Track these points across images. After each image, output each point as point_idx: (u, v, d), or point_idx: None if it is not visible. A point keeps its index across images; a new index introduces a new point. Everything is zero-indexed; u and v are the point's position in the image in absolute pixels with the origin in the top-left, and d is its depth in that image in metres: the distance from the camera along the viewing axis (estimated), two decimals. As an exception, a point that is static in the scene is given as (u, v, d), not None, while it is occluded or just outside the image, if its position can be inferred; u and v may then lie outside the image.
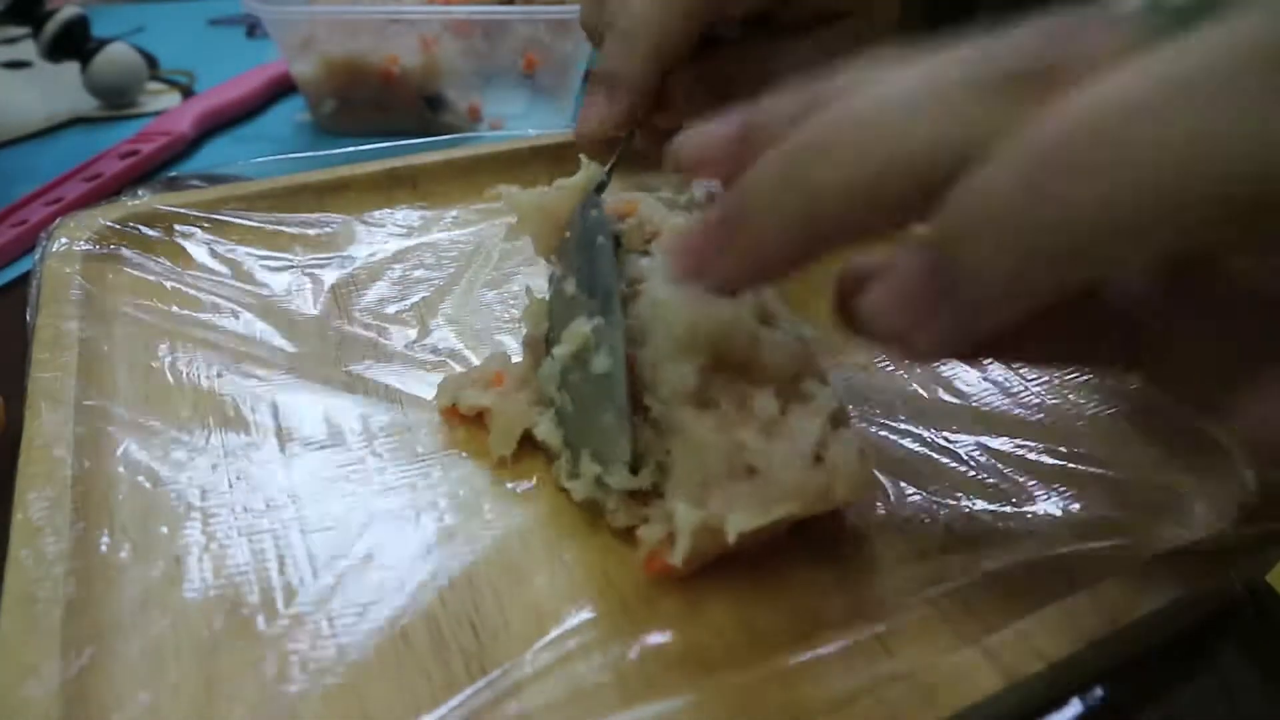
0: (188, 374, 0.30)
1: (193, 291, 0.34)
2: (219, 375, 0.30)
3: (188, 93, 0.59)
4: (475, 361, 0.31)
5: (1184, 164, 0.14)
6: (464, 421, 0.29)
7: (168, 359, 0.31)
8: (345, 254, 0.37)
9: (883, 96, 0.17)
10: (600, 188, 0.30)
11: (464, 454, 0.28)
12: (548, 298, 0.29)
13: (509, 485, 0.27)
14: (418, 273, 0.36)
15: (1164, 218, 0.14)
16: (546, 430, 0.26)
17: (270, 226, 0.38)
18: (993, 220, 0.15)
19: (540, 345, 0.29)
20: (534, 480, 0.27)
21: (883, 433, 0.28)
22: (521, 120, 0.53)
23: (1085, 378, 0.31)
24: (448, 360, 0.32)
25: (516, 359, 0.30)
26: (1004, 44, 0.16)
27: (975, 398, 0.30)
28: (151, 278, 0.35)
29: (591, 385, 0.25)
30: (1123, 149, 0.14)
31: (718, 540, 0.22)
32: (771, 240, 0.19)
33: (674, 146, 0.22)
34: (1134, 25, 0.15)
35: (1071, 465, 0.27)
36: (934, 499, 0.26)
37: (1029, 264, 0.15)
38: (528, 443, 0.28)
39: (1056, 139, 0.15)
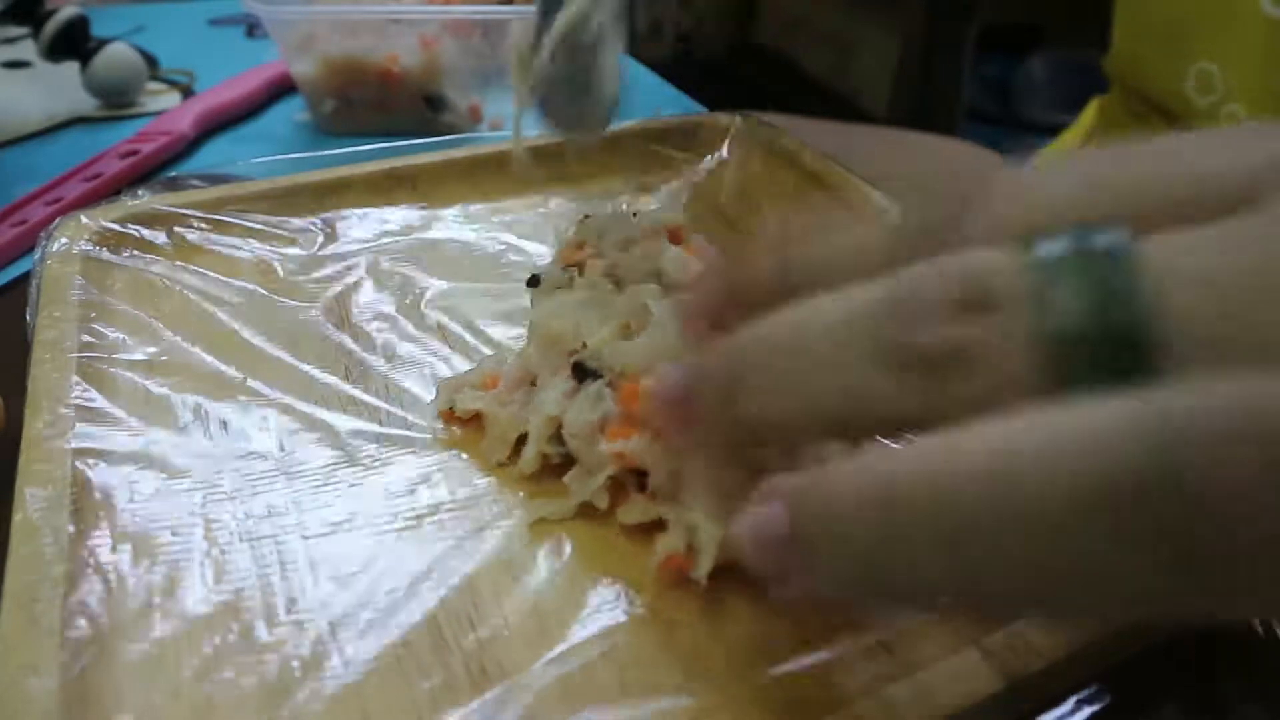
0: (188, 375, 0.30)
1: (193, 292, 0.34)
2: (220, 377, 0.30)
3: (188, 92, 0.59)
4: (473, 362, 0.31)
5: (1014, 565, 0.14)
6: (463, 422, 0.29)
7: (168, 359, 0.31)
8: (345, 254, 0.37)
9: (798, 324, 0.18)
10: None
11: (464, 454, 0.28)
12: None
13: (509, 485, 0.27)
14: (417, 273, 0.36)
15: (986, 604, 0.16)
16: (535, 429, 0.27)
17: (270, 227, 0.38)
18: (833, 533, 0.16)
19: (527, 54, 0.31)
20: (534, 480, 0.27)
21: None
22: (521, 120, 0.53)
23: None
24: (447, 361, 0.32)
25: (514, 359, 0.30)
26: (917, 305, 0.16)
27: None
28: (152, 278, 0.35)
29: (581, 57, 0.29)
30: (960, 527, 0.14)
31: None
32: (714, 434, 0.20)
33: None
34: (1036, 318, 0.15)
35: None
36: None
37: (866, 581, 0.16)
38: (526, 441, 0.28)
39: (910, 484, 0.15)
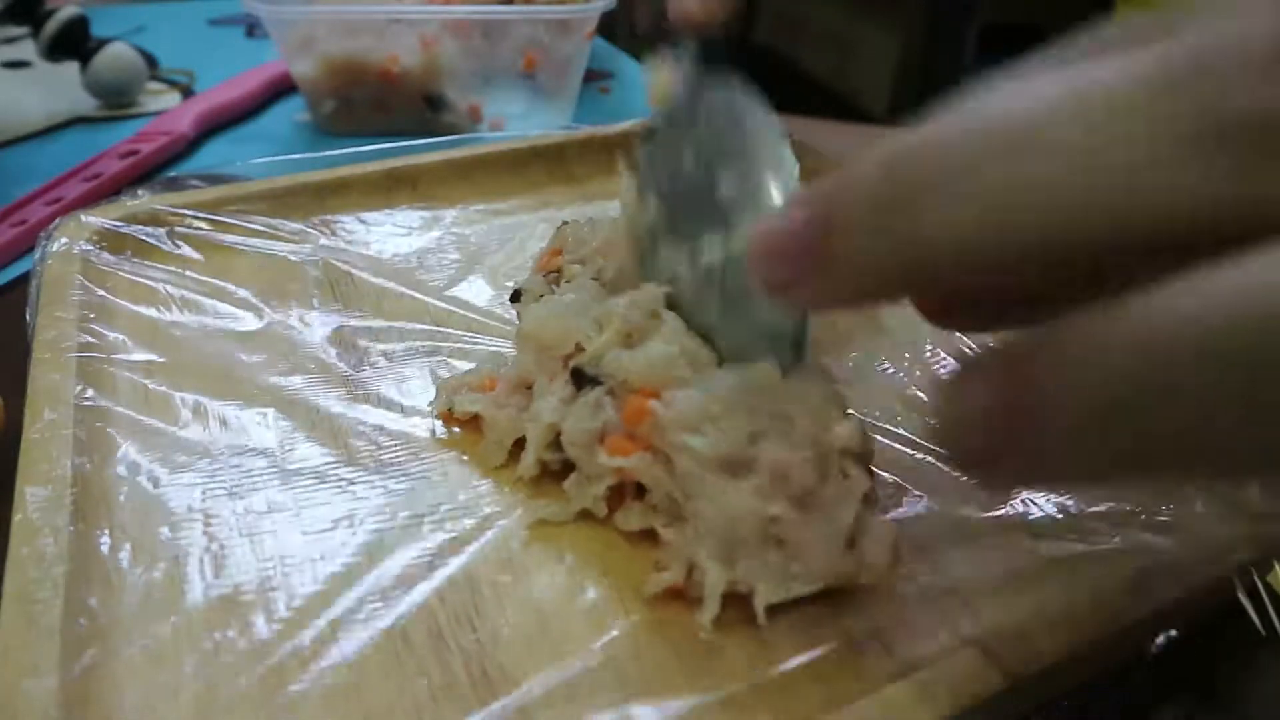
0: (188, 375, 0.30)
1: (193, 292, 0.34)
2: (220, 376, 0.30)
3: (187, 92, 0.59)
4: (472, 363, 0.31)
5: (1039, 193, 0.11)
6: (462, 423, 0.29)
7: (168, 359, 0.31)
8: (345, 254, 0.37)
9: (1060, 110, 0.12)
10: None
11: (464, 454, 0.28)
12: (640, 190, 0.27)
13: (509, 485, 0.27)
14: (418, 274, 0.36)
15: (1005, 244, 0.12)
16: (534, 436, 0.26)
17: (270, 227, 0.38)
18: (868, 204, 0.12)
19: (643, 237, 0.27)
20: (534, 482, 0.27)
21: (882, 436, 0.28)
22: (521, 120, 0.53)
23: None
24: (447, 362, 0.32)
25: (510, 362, 0.30)
26: (1221, 74, 0.11)
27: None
28: (151, 278, 0.35)
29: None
30: (1002, 161, 0.11)
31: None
32: (866, 280, 0.15)
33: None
34: None
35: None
36: (933, 501, 0.26)
37: (905, 254, 0.12)
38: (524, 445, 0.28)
39: (943, 132, 0.11)
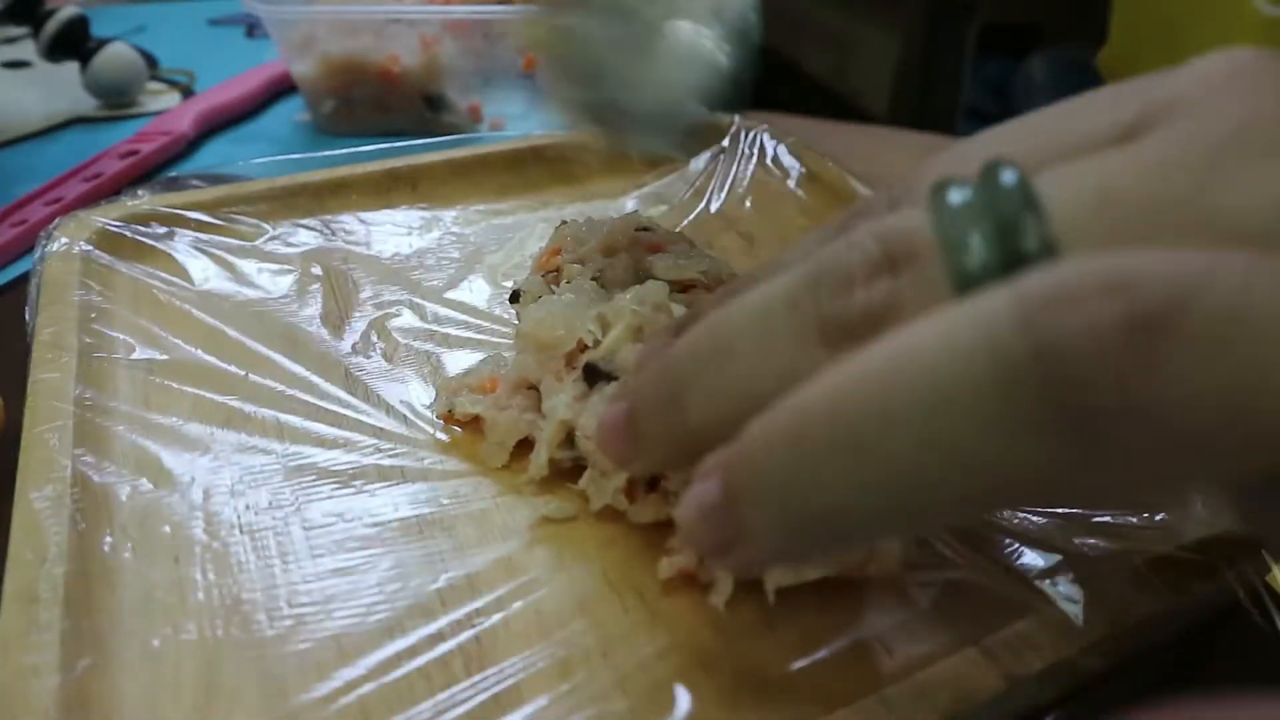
0: (189, 375, 0.30)
1: (192, 291, 0.34)
2: (220, 376, 0.30)
3: (187, 92, 0.59)
4: (473, 363, 0.31)
5: (905, 468, 0.14)
6: (463, 423, 0.29)
7: (168, 359, 0.31)
8: (345, 255, 0.37)
9: (726, 323, 0.18)
10: None
11: (465, 453, 0.28)
12: None
13: (510, 486, 0.27)
14: (418, 274, 0.36)
15: (899, 517, 0.15)
16: (548, 435, 0.27)
17: (270, 227, 0.38)
18: (755, 475, 0.16)
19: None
20: (536, 482, 0.27)
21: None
22: (521, 120, 0.53)
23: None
24: (447, 362, 0.32)
25: (511, 363, 0.30)
26: (836, 276, 0.16)
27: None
28: (151, 278, 0.35)
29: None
30: (853, 443, 0.14)
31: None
32: (658, 456, 0.20)
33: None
34: (943, 248, 0.15)
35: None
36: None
37: (791, 523, 0.16)
38: (526, 445, 0.28)
39: (808, 412, 0.15)
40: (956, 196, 0.15)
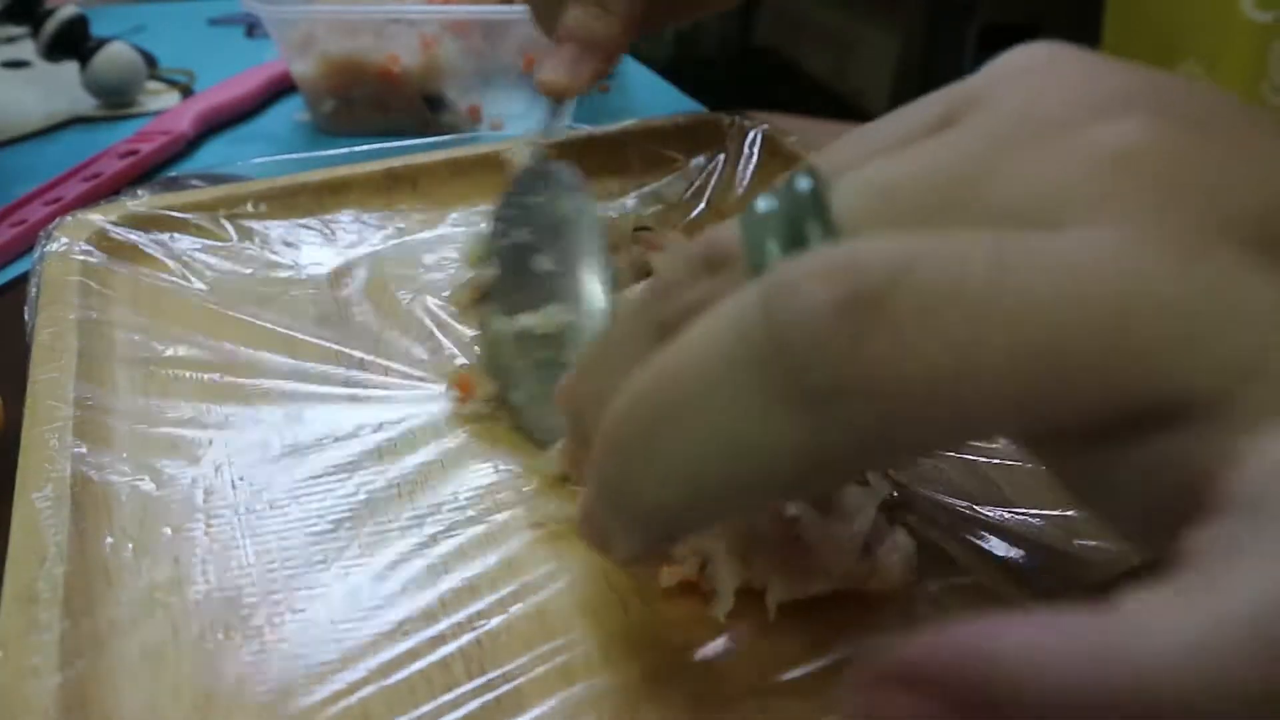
0: (189, 375, 0.30)
1: (192, 291, 0.34)
2: (220, 376, 0.30)
3: (187, 92, 0.59)
4: (472, 362, 0.31)
5: (695, 464, 0.15)
6: (467, 421, 0.29)
7: (168, 358, 0.31)
8: (345, 254, 0.37)
9: (596, 348, 0.20)
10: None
11: (466, 453, 0.28)
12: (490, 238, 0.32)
13: (512, 484, 0.27)
14: (418, 274, 0.36)
15: (707, 508, 0.16)
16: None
17: (270, 227, 0.38)
18: (596, 484, 0.17)
19: (480, 291, 0.31)
20: (536, 482, 0.27)
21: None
22: (521, 120, 0.53)
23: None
24: (447, 361, 0.32)
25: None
26: (664, 282, 0.18)
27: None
28: (151, 278, 0.35)
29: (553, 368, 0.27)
30: (653, 431, 0.15)
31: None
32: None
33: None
34: (744, 251, 0.16)
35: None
36: (937, 500, 0.26)
37: (632, 522, 0.17)
38: (530, 448, 0.28)
39: (617, 412, 0.16)
40: (762, 204, 0.16)
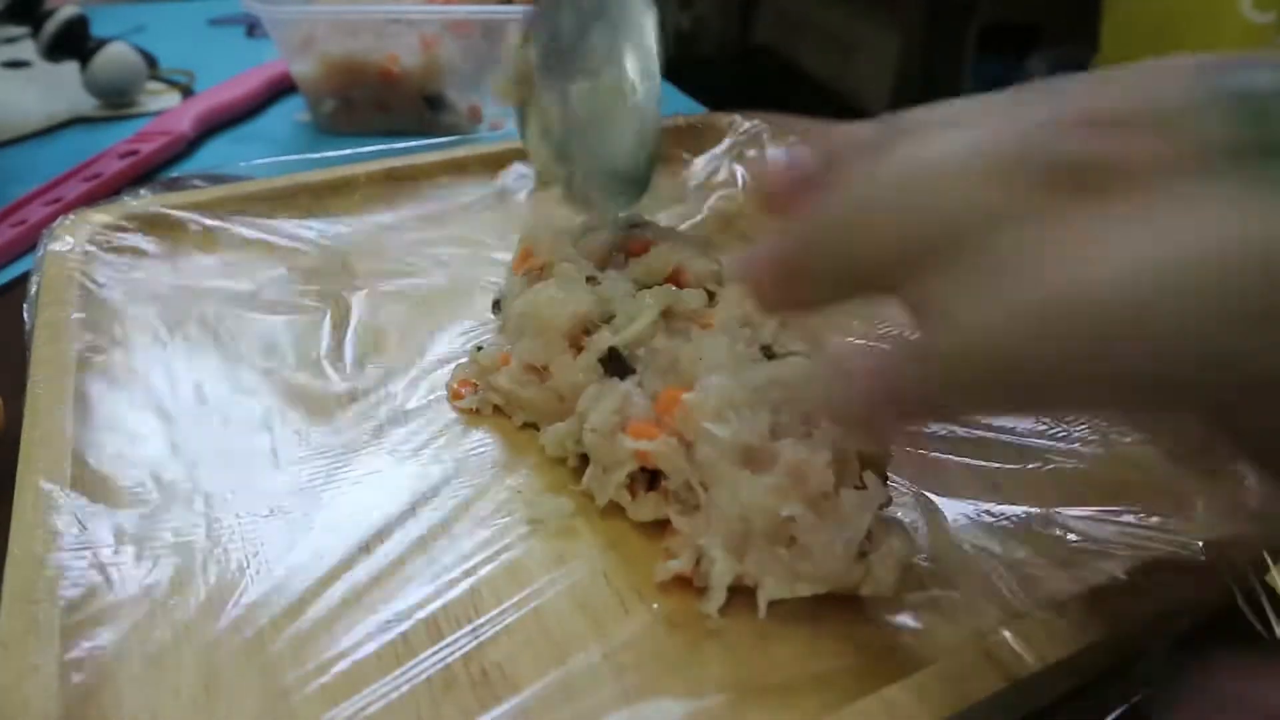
0: (189, 375, 0.30)
1: (192, 291, 0.34)
2: (220, 377, 0.30)
3: (187, 92, 0.59)
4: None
5: (1154, 358, 0.14)
6: (468, 418, 0.29)
7: (168, 359, 0.31)
8: (344, 254, 0.37)
9: (926, 162, 0.17)
10: None
11: (466, 453, 0.28)
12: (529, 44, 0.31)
13: (512, 483, 0.27)
14: (417, 273, 0.36)
15: (1131, 399, 0.16)
16: (554, 438, 0.27)
17: (270, 227, 0.38)
18: (965, 352, 0.16)
19: (522, 72, 0.31)
20: (536, 482, 0.27)
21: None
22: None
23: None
24: (447, 361, 0.32)
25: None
26: (1075, 115, 0.16)
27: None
28: (151, 277, 0.35)
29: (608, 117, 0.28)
30: (1100, 329, 0.14)
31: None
32: (819, 289, 0.19)
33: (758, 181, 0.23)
34: (1196, 136, 0.15)
35: (1071, 467, 0.27)
36: (943, 502, 0.26)
37: (986, 394, 0.16)
38: (531, 445, 0.28)
39: (1050, 296, 0.15)
40: (1244, 76, 0.15)
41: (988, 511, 0.26)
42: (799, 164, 0.20)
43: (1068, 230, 0.15)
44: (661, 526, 0.24)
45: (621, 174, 0.29)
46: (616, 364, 0.26)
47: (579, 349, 0.27)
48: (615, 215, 0.29)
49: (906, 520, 0.25)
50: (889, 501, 0.23)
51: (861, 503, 0.22)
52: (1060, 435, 0.29)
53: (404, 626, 0.22)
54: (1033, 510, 0.26)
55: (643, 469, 0.25)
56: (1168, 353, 0.14)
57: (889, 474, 0.24)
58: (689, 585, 0.23)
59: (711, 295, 0.30)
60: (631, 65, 0.29)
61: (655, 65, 0.29)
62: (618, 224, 0.32)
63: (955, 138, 0.17)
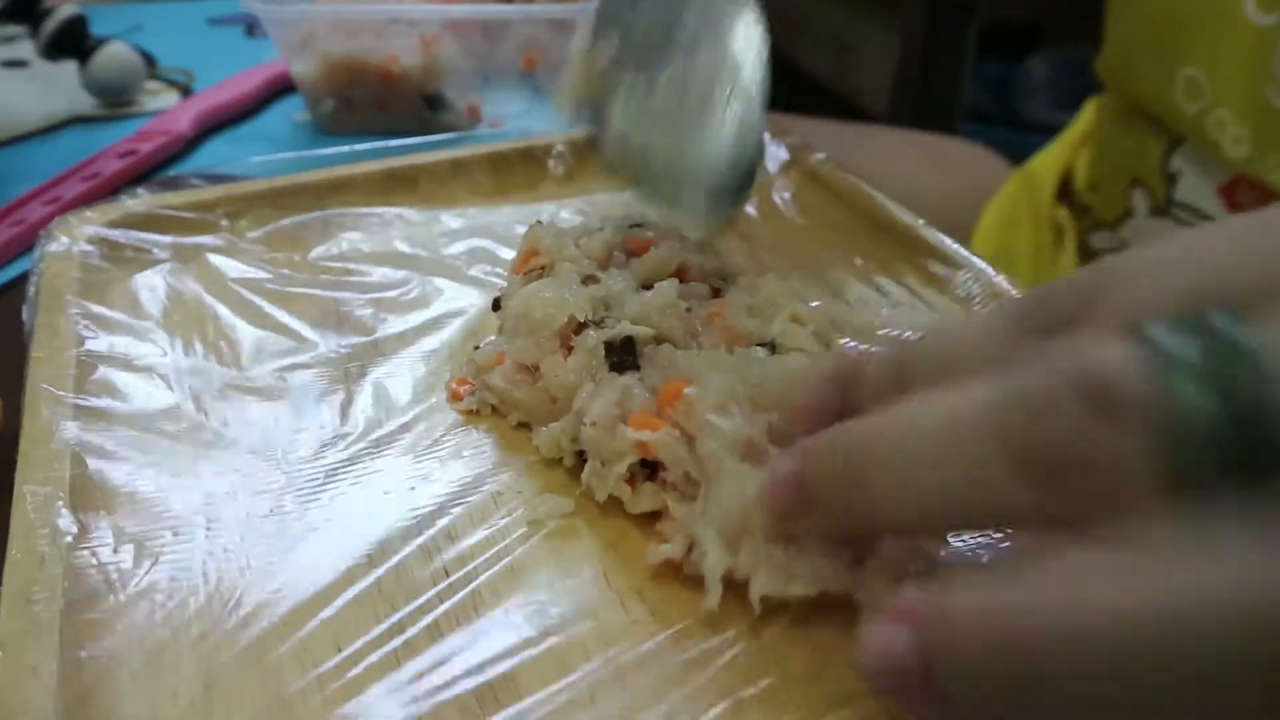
0: (188, 376, 0.30)
1: (191, 291, 0.34)
2: (220, 377, 0.30)
3: (186, 92, 0.59)
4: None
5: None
6: (468, 417, 0.29)
7: (168, 359, 0.31)
8: (344, 254, 0.37)
9: (918, 429, 0.18)
10: None
11: (465, 453, 0.28)
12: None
13: (511, 483, 0.27)
14: (416, 273, 0.36)
15: None
16: (548, 437, 0.27)
17: (269, 227, 0.38)
18: (969, 687, 0.16)
19: (596, 66, 0.28)
20: (535, 482, 0.27)
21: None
22: (521, 120, 0.53)
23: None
24: (446, 361, 0.32)
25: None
26: (1027, 408, 0.16)
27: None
28: (150, 277, 0.35)
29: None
30: (1095, 678, 0.14)
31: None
32: (831, 523, 0.21)
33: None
34: (1156, 412, 0.14)
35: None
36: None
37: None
38: (529, 445, 0.28)
39: (1042, 627, 0.15)
40: (1169, 346, 0.14)
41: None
42: (816, 396, 0.22)
43: (1056, 559, 0.15)
44: (659, 519, 0.24)
45: (718, 175, 0.25)
46: (626, 353, 0.26)
47: (570, 349, 0.27)
48: (710, 224, 0.25)
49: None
50: None
51: None
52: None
53: (404, 626, 0.22)
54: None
55: (642, 463, 0.25)
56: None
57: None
58: (687, 582, 0.23)
59: (716, 291, 0.30)
60: (734, 42, 0.25)
61: (760, 47, 0.25)
62: (621, 224, 0.32)
63: (947, 404, 0.18)
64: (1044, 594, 0.15)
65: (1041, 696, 0.15)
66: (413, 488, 0.26)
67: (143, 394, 0.29)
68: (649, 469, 0.25)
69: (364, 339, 0.32)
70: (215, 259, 0.36)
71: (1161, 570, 0.14)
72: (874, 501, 0.19)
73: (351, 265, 0.36)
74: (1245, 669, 0.13)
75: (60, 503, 0.24)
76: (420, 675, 0.21)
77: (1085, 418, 0.15)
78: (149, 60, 0.60)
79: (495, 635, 0.22)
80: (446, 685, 0.21)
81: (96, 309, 0.32)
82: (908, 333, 0.30)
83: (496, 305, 0.32)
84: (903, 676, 0.16)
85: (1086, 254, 0.58)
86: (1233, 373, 0.14)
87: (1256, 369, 0.14)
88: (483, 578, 0.24)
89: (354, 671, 0.21)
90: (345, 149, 0.43)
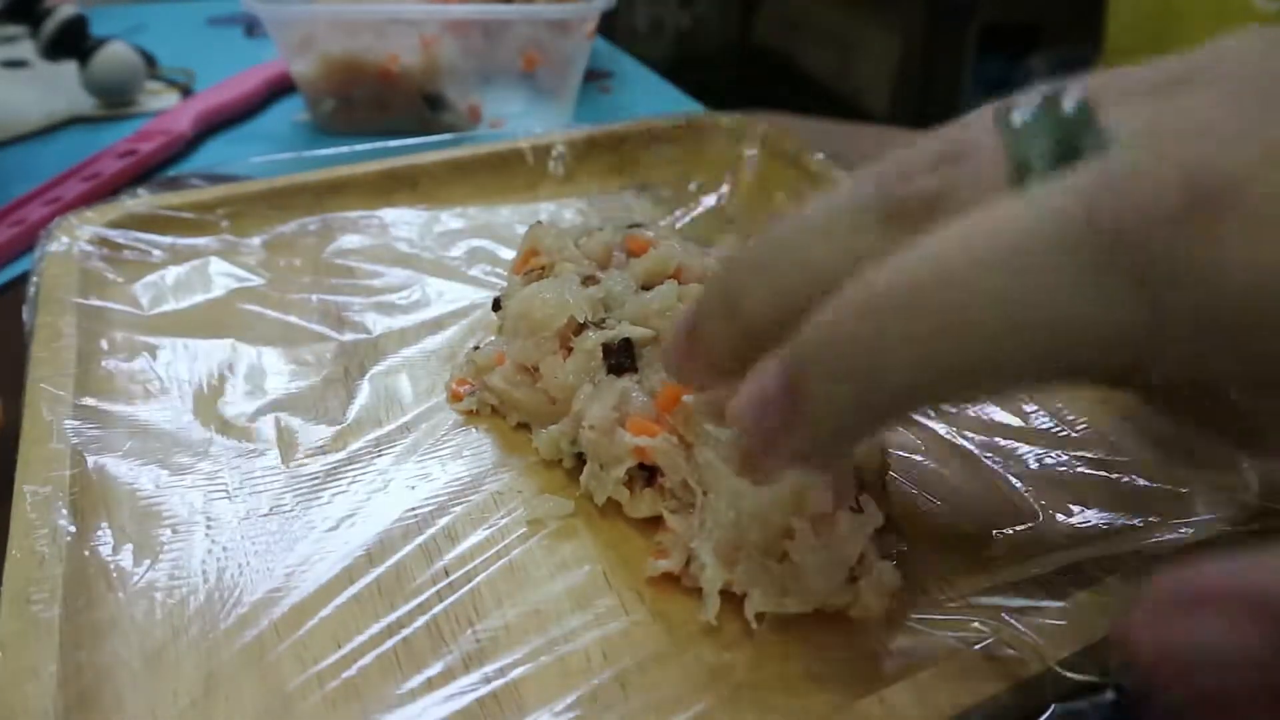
0: (188, 375, 0.30)
1: (191, 291, 0.34)
2: (220, 377, 0.30)
3: (186, 92, 0.59)
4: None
5: (986, 333, 0.15)
6: (468, 418, 0.29)
7: (168, 359, 0.31)
8: (344, 255, 0.37)
9: (794, 223, 0.19)
10: None
11: (465, 453, 0.28)
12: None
13: (511, 483, 0.27)
14: (416, 273, 0.36)
15: (976, 375, 0.16)
16: (546, 439, 0.27)
17: (269, 227, 0.38)
18: (828, 353, 0.16)
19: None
20: (535, 482, 0.27)
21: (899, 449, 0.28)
22: (521, 120, 0.53)
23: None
24: (445, 361, 0.32)
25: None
26: (898, 168, 0.18)
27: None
28: (150, 277, 0.35)
29: None
30: (934, 314, 0.15)
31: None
32: (716, 351, 0.20)
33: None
34: (1008, 157, 0.16)
35: (1070, 468, 0.27)
36: (944, 507, 0.26)
37: (862, 397, 0.16)
38: (529, 445, 0.28)
39: (886, 287, 0.16)
40: (1020, 115, 0.17)
41: (991, 519, 0.26)
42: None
43: (898, 248, 0.16)
44: (659, 524, 0.24)
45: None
46: (625, 355, 0.26)
47: (570, 350, 0.27)
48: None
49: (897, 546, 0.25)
50: (883, 524, 0.23)
51: (857, 526, 0.22)
52: (1061, 434, 0.29)
53: (405, 626, 0.22)
54: (1036, 516, 0.26)
55: (640, 466, 0.25)
56: (992, 330, 0.15)
57: (889, 475, 0.24)
58: (685, 586, 0.23)
59: None
60: None
61: None
62: (621, 224, 0.32)
63: (817, 202, 0.19)
64: (883, 267, 0.16)
65: (906, 360, 0.16)
66: (413, 487, 0.26)
67: (142, 393, 0.29)
68: (648, 473, 0.25)
69: (364, 338, 0.32)
70: (215, 259, 0.36)
71: (1000, 209, 0.15)
72: (747, 315, 0.19)
73: (351, 265, 0.36)
74: (1091, 265, 0.14)
75: (60, 502, 0.24)
76: (420, 674, 0.21)
77: (938, 165, 0.17)
78: (149, 60, 0.60)
79: (493, 635, 0.22)
80: (445, 683, 0.21)
81: (96, 309, 0.32)
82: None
83: (496, 305, 0.32)
84: (775, 408, 0.17)
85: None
86: (1062, 119, 0.16)
87: (1081, 115, 0.16)
88: (482, 577, 0.24)
89: (354, 672, 0.21)
90: (345, 149, 0.43)
